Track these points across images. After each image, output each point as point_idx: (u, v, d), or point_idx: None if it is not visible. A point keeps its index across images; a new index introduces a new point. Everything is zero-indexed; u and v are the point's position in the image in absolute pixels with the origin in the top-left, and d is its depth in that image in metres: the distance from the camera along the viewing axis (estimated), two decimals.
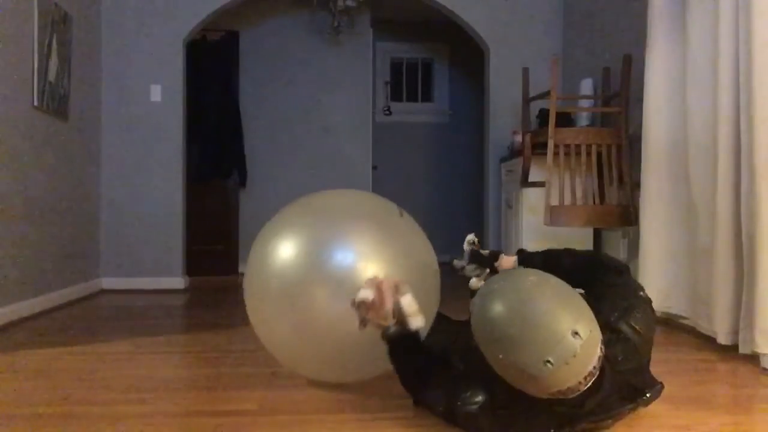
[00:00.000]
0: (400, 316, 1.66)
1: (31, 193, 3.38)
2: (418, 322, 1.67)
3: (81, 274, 4.08)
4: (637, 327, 1.55)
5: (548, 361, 1.32)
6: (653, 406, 1.81)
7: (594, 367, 1.37)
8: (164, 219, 4.51)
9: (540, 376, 1.33)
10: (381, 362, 1.71)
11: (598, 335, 1.39)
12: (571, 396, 1.39)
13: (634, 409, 1.58)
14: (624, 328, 1.54)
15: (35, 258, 3.41)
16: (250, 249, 1.91)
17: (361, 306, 1.65)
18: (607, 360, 1.46)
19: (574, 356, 1.32)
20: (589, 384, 1.38)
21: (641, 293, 1.65)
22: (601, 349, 1.39)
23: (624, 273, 1.74)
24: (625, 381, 1.53)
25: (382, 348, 1.68)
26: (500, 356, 1.38)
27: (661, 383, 1.64)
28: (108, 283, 4.43)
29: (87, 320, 3.27)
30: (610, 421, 1.55)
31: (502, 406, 1.48)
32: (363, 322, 1.67)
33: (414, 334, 1.67)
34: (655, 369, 2.30)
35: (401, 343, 1.66)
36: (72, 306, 3.69)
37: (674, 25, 2.92)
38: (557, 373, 1.33)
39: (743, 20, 2.33)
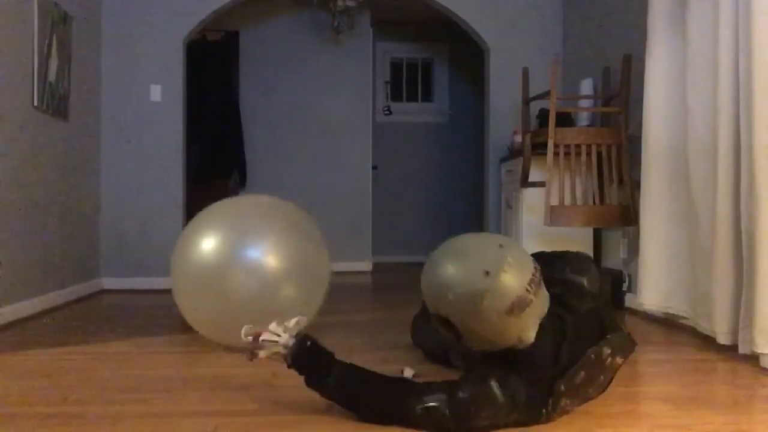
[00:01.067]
0: (284, 327, 1.69)
1: (31, 193, 3.38)
2: (297, 320, 1.73)
3: (81, 274, 4.08)
4: (578, 270, 1.72)
5: (487, 272, 1.47)
6: (653, 406, 1.81)
7: (533, 275, 1.51)
8: (164, 219, 4.51)
9: (487, 291, 1.46)
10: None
11: (523, 250, 1.58)
12: (533, 322, 1.52)
13: (599, 354, 1.59)
14: (569, 276, 1.71)
15: (35, 258, 3.41)
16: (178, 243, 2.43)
17: (248, 337, 1.69)
18: (567, 310, 1.62)
19: (509, 263, 1.48)
20: (538, 295, 1.52)
21: (571, 251, 1.83)
22: (534, 264, 1.55)
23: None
24: (589, 325, 1.63)
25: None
26: (450, 297, 1.50)
27: (629, 334, 1.70)
28: (108, 283, 4.43)
29: (87, 320, 3.27)
30: (582, 373, 1.57)
31: (502, 384, 1.52)
32: (253, 352, 1.69)
33: (320, 349, 1.68)
34: (656, 369, 2.30)
35: (317, 362, 1.66)
36: (72, 306, 3.69)
37: (674, 25, 2.93)
38: (500, 281, 1.47)
39: (743, 20, 2.33)
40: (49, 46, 3.58)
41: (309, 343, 1.68)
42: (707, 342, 2.61)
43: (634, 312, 3.39)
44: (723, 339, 2.47)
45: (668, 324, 3.05)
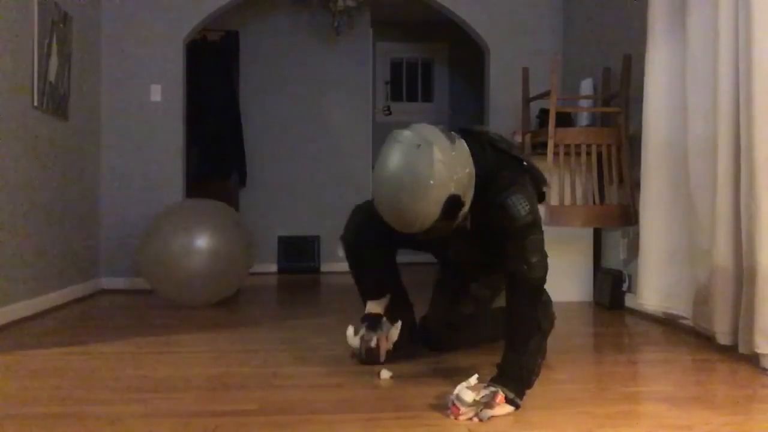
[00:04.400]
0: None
1: (31, 193, 3.38)
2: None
3: (81, 274, 4.08)
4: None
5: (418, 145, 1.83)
6: (653, 406, 1.81)
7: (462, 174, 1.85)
8: None
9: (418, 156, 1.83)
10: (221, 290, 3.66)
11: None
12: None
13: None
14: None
15: (35, 258, 3.41)
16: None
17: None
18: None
19: (452, 154, 1.85)
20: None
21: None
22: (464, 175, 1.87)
23: None
24: None
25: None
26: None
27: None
28: (108, 283, 4.43)
29: (87, 320, 3.27)
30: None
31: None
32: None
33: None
34: (656, 369, 2.31)
35: None
36: (72, 306, 3.69)
37: (674, 25, 2.92)
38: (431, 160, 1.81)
39: (743, 20, 2.33)
40: (49, 46, 3.58)
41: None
42: (707, 342, 2.61)
43: (634, 312, 3.39)
44: (723, 339, 2.47)
45: (668, 324, 3.05)
